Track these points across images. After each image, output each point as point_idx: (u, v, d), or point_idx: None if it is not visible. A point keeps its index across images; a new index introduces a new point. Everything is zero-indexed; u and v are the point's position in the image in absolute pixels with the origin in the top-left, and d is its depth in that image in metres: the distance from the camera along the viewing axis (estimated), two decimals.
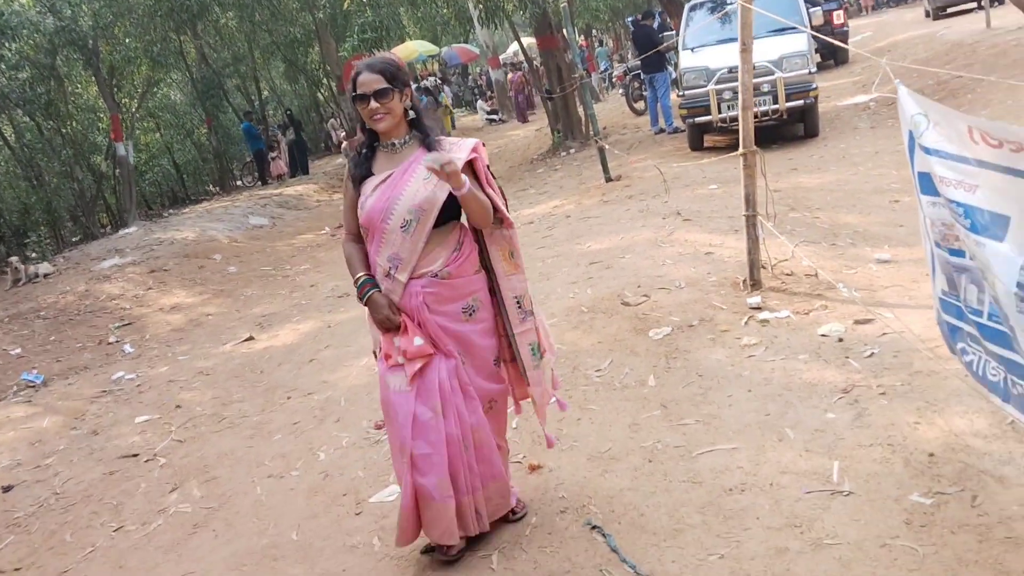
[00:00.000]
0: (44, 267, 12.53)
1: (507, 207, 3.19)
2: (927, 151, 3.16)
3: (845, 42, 20.21)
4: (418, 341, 3.01)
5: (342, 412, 5.25)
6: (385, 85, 2.95)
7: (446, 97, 24.39)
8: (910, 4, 34.69)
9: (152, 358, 7.93)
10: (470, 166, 3.03)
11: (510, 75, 27.54)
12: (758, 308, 5.03)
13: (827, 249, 5.99)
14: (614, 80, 26.22)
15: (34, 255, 14.92)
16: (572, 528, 3.31)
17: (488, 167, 3.12)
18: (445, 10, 19.03)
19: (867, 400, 3.77)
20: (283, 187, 20.34)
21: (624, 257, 6.55)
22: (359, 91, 2.97)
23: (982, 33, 15.54)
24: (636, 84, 17.20)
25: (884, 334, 4.38)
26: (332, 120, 30.96)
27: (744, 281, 5.39)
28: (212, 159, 25.28)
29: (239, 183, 25.21)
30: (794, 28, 11.21)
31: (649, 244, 6.75)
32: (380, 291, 3.06)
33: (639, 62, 14.78)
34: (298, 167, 23.35)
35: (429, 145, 3.03)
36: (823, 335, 4.54)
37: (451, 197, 2.96)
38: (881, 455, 3.31)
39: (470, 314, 3.12)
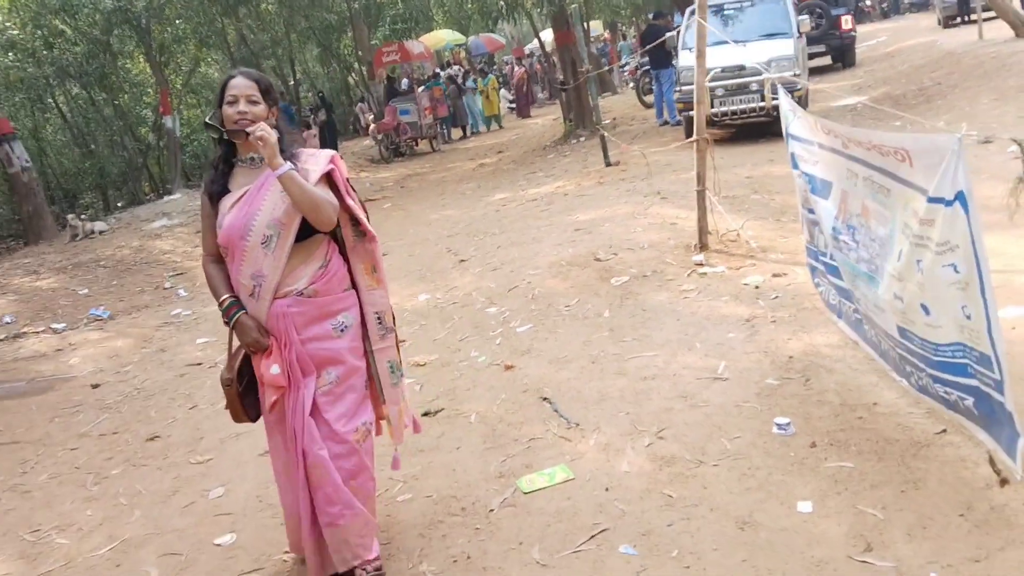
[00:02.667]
0: (100, 225, 13.93)
1: (368, 219, 3.11)
2: (792, 137, 4.42)
3: (854, 46, 21.39)
4: (275, 370, 2.93)
5: None
6: (256, 94, 2.89)
7: (493, 81, 25.37)
8: (930, 10, 35.52)
9: (204, 300, 9.25)
10: (328, 179, 2.96)
11: (515, 69, 28.71)
12: (700, 264, 6.28)
13: (771, 223, 7.21)
14: (626, 74, 27.34)
15: (83, 217, 16.34)
16: (530, 401, 4.59)
17: (348, 180, 3.06)
18: (469, 5, 20.24)
19: (761, 326, 5.02)
20: None
21: (604, 226, 7.83)
22: (230, 93, 2.87)
23: (972, 44, 16.57)
24: (646, 79, 18.37)
25: (790, 284, 5.62)
26: (361, 104, 32.32)
27: (694, 245, 6.63)
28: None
29: None
30: (784, 33, 12.47)
31: (627, 216, 8.03)
32: (246, 313, 2.96)
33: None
34: (328, 146, 24.73)
35: (287, 158, 2.88)
36: (745, 284, 5.78)
37: None
38: (756, 358, 4.57)
39: (341, 330, 3.01)
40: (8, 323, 9.43)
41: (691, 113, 12.50)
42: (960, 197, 2.70)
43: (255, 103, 2.88)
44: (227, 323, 2.98)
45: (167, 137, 18.01)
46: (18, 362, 7.74)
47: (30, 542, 4.13)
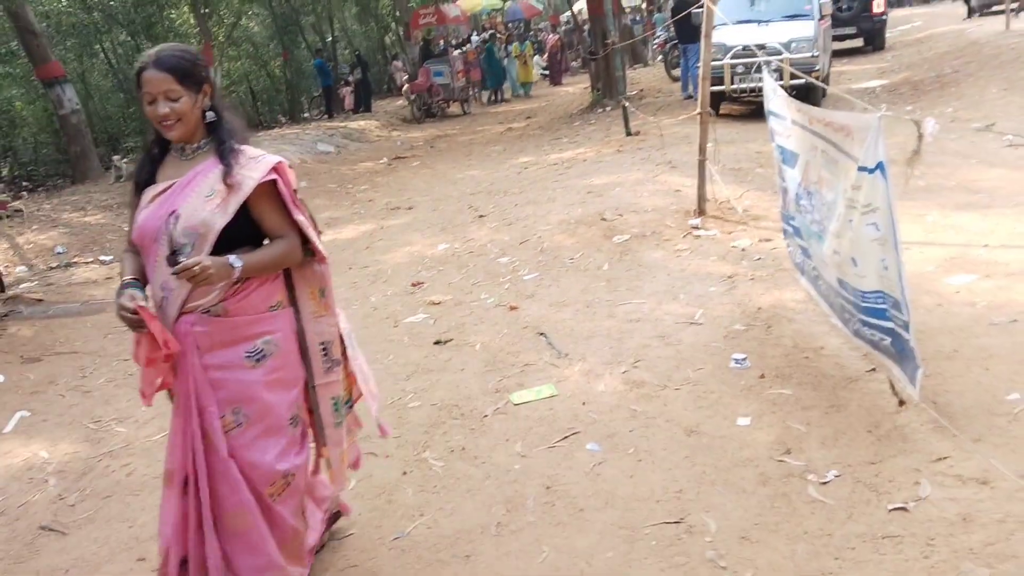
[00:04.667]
0: None
1: (319, 235, 2.71)
2: (771, 113, 4.99)
3: (884, 30, 21.59)
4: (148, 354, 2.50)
5: (388, 277, 7.20)
6: (176, 86, 2.43)
7: (529, 47, 25.70)
8: None
9: None
10: (272, 189, 2.52)
11: (549, 37, 29.05)
12: (695, 228, 6.86)
13: (769, 195, 7.75)
14: (655, 47, 27.65)
15: (126, 159, 17.10)
16: (528, 335, 5.23)
17: (295, 191, 2.62)
18: None
19: (740, 282, 5.62)
20: (348, 121, 22.35)
21: (614, 190, 8.42)
22: (145, 91, 2.45)
23: (998, 34, 16.85)
24: (674, 52, 18.77)
25: (775, 248, 6.19)
26: (395, 63, 32.88)
27: (693, 210, 7.21)
28: (284, 90, 27.39)
29: (306, 115, 27.33)
30: (806, 15, 12.89)
31: (636, 182, 8.61)
32: (127, 288, 2.52)
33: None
34: (362, 104, 25.35)
35: (223, 154, 2.50)
36: (733, 246, 6.37)
37: (238, 221, 2.48)
38: (729, 308, 5.18)
39: (257, 359, 2.55)
40: (60, 253, 10.21)
41: (712, 88, 13.07)
42: (880, 166, 3.28)
43: (175, 98, 2.43)
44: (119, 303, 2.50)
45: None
46: (72, 287, 8.49)
47: (93, 429, 4.84)
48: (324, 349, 2.75)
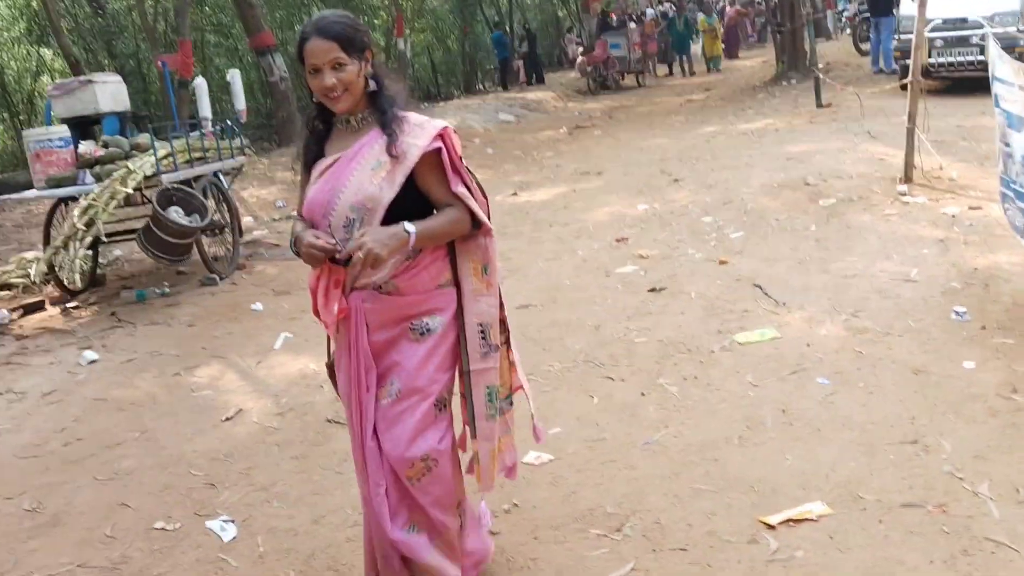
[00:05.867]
0: None
1: (488, 207, 2.53)
2: (997, 79, 5.08)
3: None
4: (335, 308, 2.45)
5: (591, 233, 7.62)
6: (341, 55, 2.30)
7: (716, 20, 25.43)
8: None
9: None
10: (437, 157, 2.37)
11: (728, 9, 28.54)
12: (903, 194, 6.94)
13: (975, 166, 7.70)
14: (844, 20, 26.76)
15: None
16: (743, 286, 5.52)
17: (461, 158, 2.45)
18: None
19: (953, 246, 5.71)
20: (524, 93, 22.96)
21: (814, 157, 8.54)
22: (310, 63, 2.32)
23: None
24: (864, 26, 18.27)
25: (985, 216, 6.22)
26: (569, 35, 33.28)
27: (899, 178, 7.27)
28: (462, 63, 28.32)
29: (480, 87, 28.17)
30: None
31: (836, 151, 8.69)
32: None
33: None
34: (533, 76, 25.94)
35: (386, 123, 2.38)
36: (943, 212, 6.43)
37: (406, 194, 2.36)
38: (944, 268, 5.31)
39: (421, 333, 2.45)
40: (281, 207, 11.23)
41: (907, 62, 12.78)
42: None
43: (341, 67, 2.31)
44: (292, 250, 2.49)
45: (399, 58, 19.68)
46: None
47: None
48: (482, 332, 2.52)
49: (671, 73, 26.26)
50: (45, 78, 21.47)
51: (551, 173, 11.78)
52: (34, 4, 18.71)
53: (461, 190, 2.41)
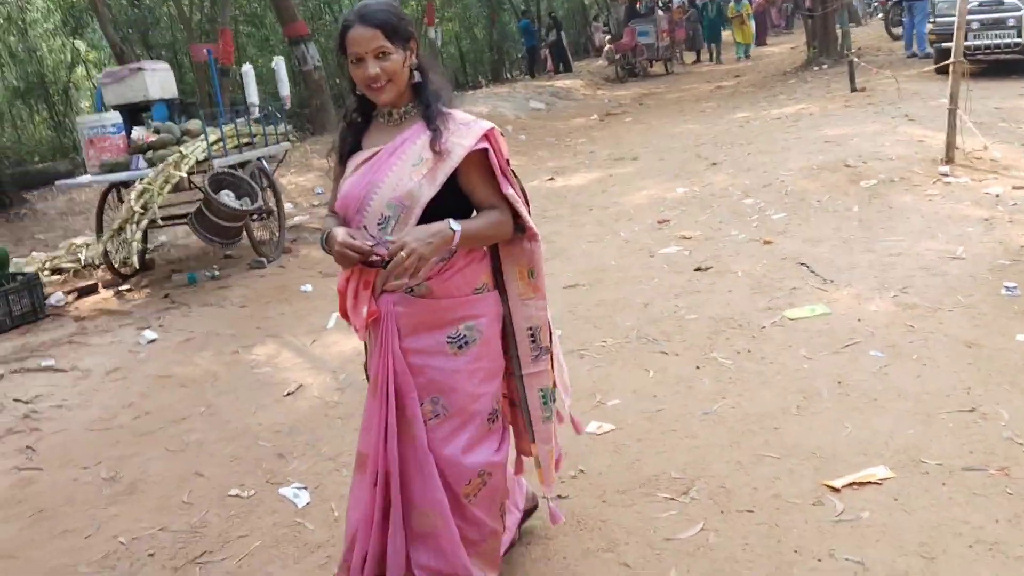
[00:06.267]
0: None
1: (529, 210, 2.44)
2: None
3: None
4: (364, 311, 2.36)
5: (631, 216, 7.70)
6: (385, 43, 2.21)
7: (747, 6, 25.17)
8: None
9: None
10: (483, 158, 2.30)
11: None
12: (945, 175, 6.96)
13: (1016, 147, 7.71)
14: (875, 4, 26.56)
15: None
16: (788, 265, 5.59)
17: (508, 160, 2.37)
18: None
19: (997, 224, 5.75)
20: (552, 81, 22.99)
21: (852, 140, 8.56)
22: (352, 51, 2.23)
23: None
24: (897, 10, 18.17)
25: None
26: (595, 23, 33.25)
27: (940, 159, 7.29)
28: (489, 51, 28.38)
29: (507, 76, 28.23)
30: None
31: (874, 133, 8.71)
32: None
33: None
34: (560, 65, 25.96)
35: (430, 118, 2.30)
36: (986, 192, 6.46)
37: (444, 193, 2.27)
38: (991, 246, 5.36)
39: (459, 346, 2.36)
40: (319, 193, 11.39)
41: (943, 45, 12.73)
42: None
43: (385, 56, 2.22)
44: (323, 247, 2.37)
45: (430, 47, 19.78)
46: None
47: None
48: (532, 335, 2.50)
49: (699, 60, 26.18)
50: (80, 69, 21.78)
51: (585, 159, 11.84)
52: None
53: (510, 192, 2.34)
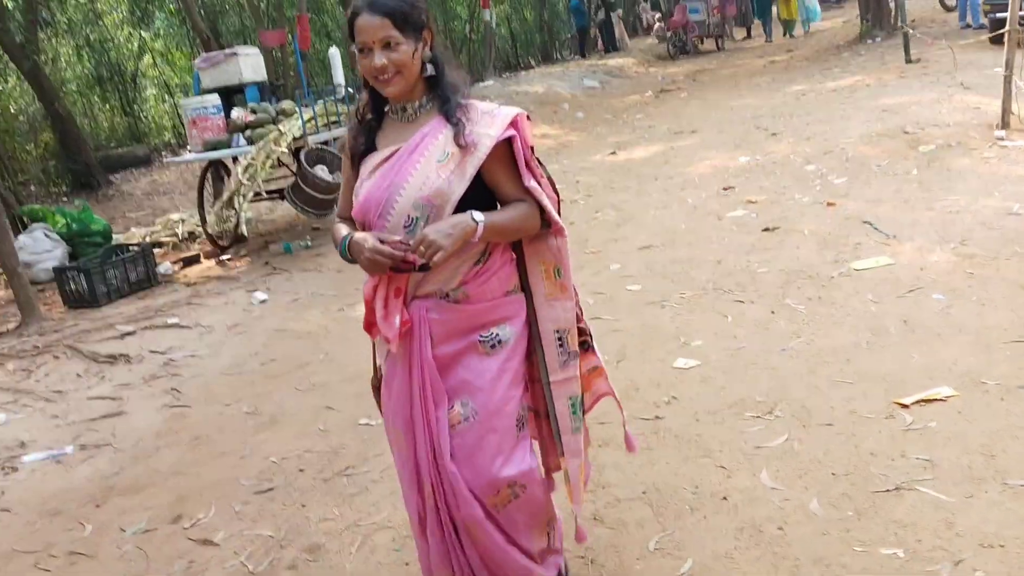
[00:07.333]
0: None
1: (559, 203, 2.31)
2: None
3: None
4: (397, 321, 2.19)
5: (696, 184, 8.10)
6: (394, 32, 2.08)
7: None
8: None
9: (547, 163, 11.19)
10: (508, 148, 2.17)
11: None
12: (1001, 139, 7.25)
13: None
14: None
15: None
16: (852, 224, 5.96)
17: (533, 148, 2.23)
18: None
19: None
20: (604, 60, 23.32)
21: (909, 108, 8.87)
22: (359, 40, 2.11)
23: None
24: None
25: None
26: (643, 3, 33.39)
27: (996, 124, 7.58)
28: (539, 32, 28.74)
29: (557, 56, 28.58)
30: None
31: (931, 102, 9.00)
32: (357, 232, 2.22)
33: None
34: (608, 44, 26.24)
35: (450, 111, 2.17)
36: None
37: (476, 189, 2.16)
38: None
39: (492, 346, 2.26)
40: None
41: (997, 15, 12.85)
42: None
43: (394, 46, 2.08)
44: (344, 253, 2.22)
45: (484, 30, 20.22)
46: None
47: None
48: (559, 338, 2.34)
49: (749, 36, 26.25)
50: (147, 58, 22.61)
51: (645, 133, 12.22)
52: None
53: (533, 184, 2.19)
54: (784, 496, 3.02)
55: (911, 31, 12.81)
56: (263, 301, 6.44)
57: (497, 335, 2.25)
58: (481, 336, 2.23)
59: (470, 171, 2.12)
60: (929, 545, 2.62)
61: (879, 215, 6.03)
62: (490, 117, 2.16)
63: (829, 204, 6.52)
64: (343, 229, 2.28)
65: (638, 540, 2.92)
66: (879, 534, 2.71)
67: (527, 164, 2.19)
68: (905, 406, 3.47)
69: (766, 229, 6.20)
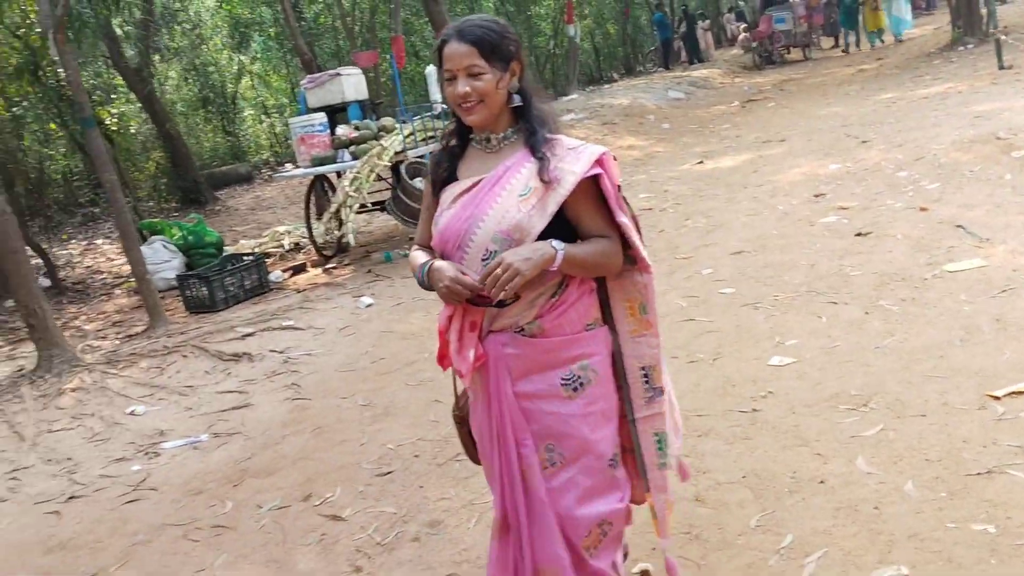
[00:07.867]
0: None
1: (642, 239, 2.25)
2: None
3: None
4: (471, 355, 2.20)
5: (786, 191, 8.21)
6: (479, 61, 2.09)
7: None
8: None
9: (625, 175, 11.42)
10: (593, 185, 2.15)
11: None
12: None
13: None
14: None
15: None
16: (945, 228, 6.02)
17: (619, 187, 2.21)
18: None
19: None
20: (688, 72, 23.39)
21: (1003, 114, 8.80)
22: (446, 68, 2.12)
23: None
24: None
25: None
26: (728, 14, 33.31)
27: None
28: (622, 46, 28.97)
29: (640, 69, 28.73)
30: None
31: None
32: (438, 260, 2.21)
33: None
34: (691, 56, 26.29)
35: (536, 145, 2.16)
36: None
37: (555, 224, 2.13)
38: None
39: (575, 388, 2.22)
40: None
41: None
42: None
43: (479, 75, 2.09)
44: (423, 280, 2.23)
45: (568, 44, 20.55)
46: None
47: None
48: (645, 375, 2.33)
49: (837, 46, 25.92)
50: (245, 80, 23.62)
51: (732, 143, 12.32)
52: (237, 10, 20.67)
53: (622, 219, 2.17)
54: (879, 480, 3.19)
55: (1004, 37, 12.63)
56: (369, 305, 6.82)
57: (578, 377, 2.21)
58: (563, 378, 2.20)
59: (551, 207, 2.10)
60: (1019, 522, 2.76)
61: (972, 219, 6.07)
62: (575, 154, 2.15)
63: (922, 209, 6.58)
64: (421, 256, 2.29)
65: (740, 518, 3.13)
66: (971, 512, 2.87)
67: (617, 201, 2.18)
68: (997, 398, 3.59)
69: (859, 234, 6.30)
